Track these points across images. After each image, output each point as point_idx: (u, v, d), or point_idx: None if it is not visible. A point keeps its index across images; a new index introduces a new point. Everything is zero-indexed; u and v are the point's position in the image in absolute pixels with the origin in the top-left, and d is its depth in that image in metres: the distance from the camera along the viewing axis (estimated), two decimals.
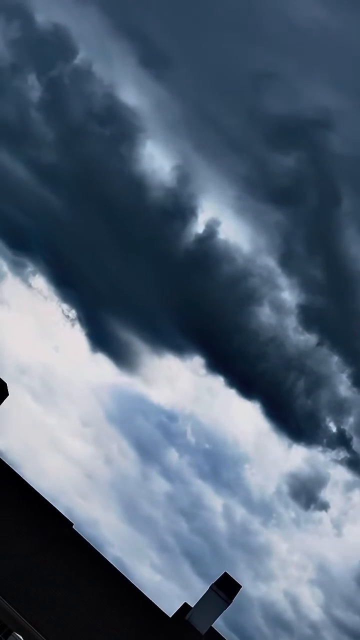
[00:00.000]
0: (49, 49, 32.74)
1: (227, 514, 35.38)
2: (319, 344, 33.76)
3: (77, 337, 36.01)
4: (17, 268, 35.27)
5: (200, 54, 32.88)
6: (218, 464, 36.18)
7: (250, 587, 31.74)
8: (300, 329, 33.73)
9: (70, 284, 34.56)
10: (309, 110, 32.21)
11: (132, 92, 33.17)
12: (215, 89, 32.76)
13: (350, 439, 33.44)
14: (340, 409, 34.14)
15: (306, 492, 34.91)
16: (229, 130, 32.98)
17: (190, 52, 32.96)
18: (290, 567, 35.17)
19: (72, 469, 34.91)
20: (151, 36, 32.44)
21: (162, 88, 32.97)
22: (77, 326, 35.33)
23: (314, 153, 32.40)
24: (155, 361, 35.69)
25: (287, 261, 33.56)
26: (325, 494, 34.93)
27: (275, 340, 33.78)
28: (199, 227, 33.59)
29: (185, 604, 19.46)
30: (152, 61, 32.59)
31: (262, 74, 32.22)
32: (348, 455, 33.65)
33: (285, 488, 35.52)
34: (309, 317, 33.60)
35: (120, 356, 35.60)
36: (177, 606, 19.41)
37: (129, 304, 34.36)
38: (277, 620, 31.79)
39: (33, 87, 32.72)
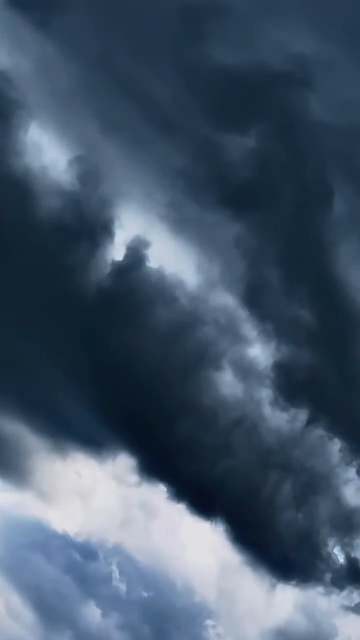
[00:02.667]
0: None
1: None
2: (311, 422, 24.40)
3: None
4: None
5: None
6: (164, 622, 26.64)
7: None
8: (280, 401, 24.08)
9: None
10: (276, 61, 22.53)
11: (3, 47, 22.85)
12: (130, 35, 22.79)
13: None
14: (348, 525, 24.79)
15: None
16: (155, 99, 23.01)
17: None
18: None
19: None
20: None
21: (48, 39, 22.80)
22: None
23: (287, 125, 22.88)
24: (56, 465, 25.48)
25: (255, 298, 23.88)
26: None
27: (243, 423, 24.10)
28: (116, 250, 23.71)
29: None
30: None
31: (203, 9, 22.74)
32: None
33: None
34: (293, 382, 24.03)
35: (2, 460, 24.98)
36: None
37: (12, 376, 23.78)
38: None
39: None
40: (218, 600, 26.70)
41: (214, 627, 26.14)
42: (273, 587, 24.98)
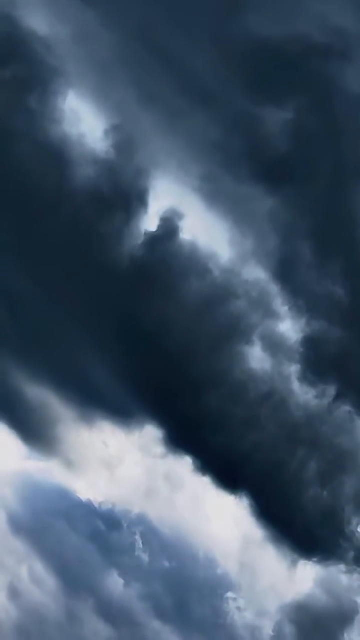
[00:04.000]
0: None
1: None
2: (339, 398, 23.80)
3: None
4: None
5: None
6: (185, 593, 26.13)
7: None
8: (309, 376, 23.64)
9: None
10: (314, 32, 22.17)
11: (43, 14, 22.73)
12: (169, 5, 22.39)
13: None
14: None
15: (322, 633, 25.23)
16: (192, 71, 22.68)
17: None
18: None
19: None
20: None
21: (88, 7, 22.53)
22: None
23: (324, 98, 22.42)
24: (83, 434, 24.98)
25: (287, 273, 23.44)
26: (352, 636, 25.04)
27: (272, 397, 23.64)
28: (150, 221, 23.29)
29: None
30: None
31: None
32: None
33: (289, 628, 25.22)
34: (322, 358, 23.57)
35: (29, 427, 24.50)
36: None
37: (43, 344, 23.42)
38: None
39: None
40: (239, 573, 26.32)
41: (235, 599, 25.81)
42: (294, 563, 24.63)
